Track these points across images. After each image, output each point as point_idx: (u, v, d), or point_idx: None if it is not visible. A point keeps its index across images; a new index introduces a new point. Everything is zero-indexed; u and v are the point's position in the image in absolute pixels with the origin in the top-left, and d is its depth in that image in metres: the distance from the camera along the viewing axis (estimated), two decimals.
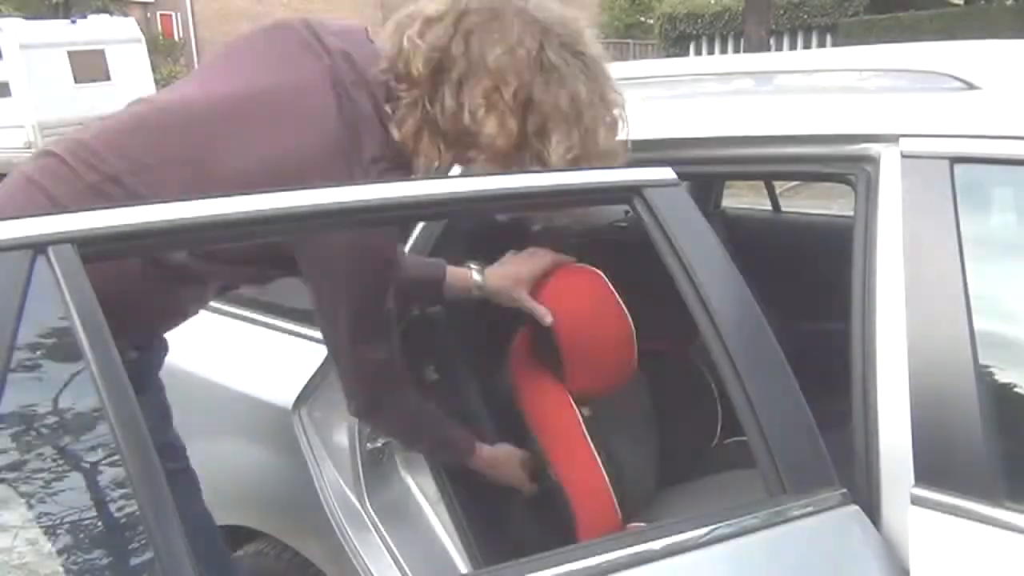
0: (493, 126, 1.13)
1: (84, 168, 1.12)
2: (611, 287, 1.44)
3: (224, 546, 1.47)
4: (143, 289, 1.19)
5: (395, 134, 1.16)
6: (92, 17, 12.86)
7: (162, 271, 1.19)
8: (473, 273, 1.49)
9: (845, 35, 12.56)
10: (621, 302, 1.43)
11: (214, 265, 1.24)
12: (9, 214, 0.84)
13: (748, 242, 2.17)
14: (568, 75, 1.14)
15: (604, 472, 1.44)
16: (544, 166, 1.15)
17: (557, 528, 1.47)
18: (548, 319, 1.41)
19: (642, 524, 1.46)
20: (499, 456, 1.50)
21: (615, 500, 1.44)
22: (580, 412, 1.46)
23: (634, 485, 1.50)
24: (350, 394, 1.34)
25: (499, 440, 1.53)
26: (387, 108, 1.17)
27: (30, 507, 0.84)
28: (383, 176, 1.13)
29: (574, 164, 1.15)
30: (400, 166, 1.18)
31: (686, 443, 1.77)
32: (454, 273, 1.48)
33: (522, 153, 1.15)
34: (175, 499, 1.30)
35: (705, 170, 1.41)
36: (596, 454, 1.44)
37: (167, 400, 1.35)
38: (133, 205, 0.87)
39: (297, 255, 1.18)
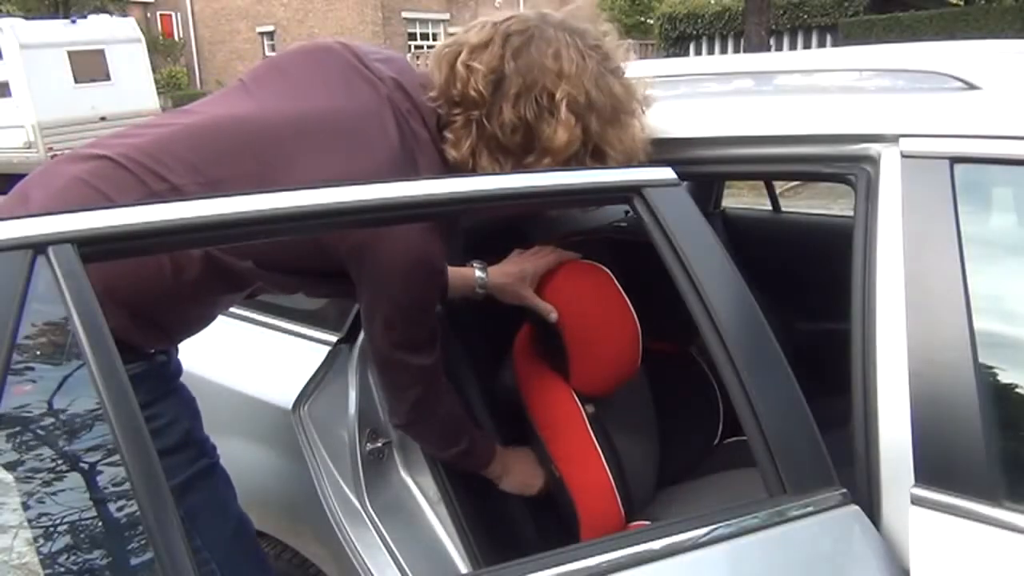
0: (561, 131, 1.20)
1: (150, 177, 1.14)
2: (617, 284, 1.44)
3: (260, 547, 1.48)
4: (192, 295, 1.23)
5: (451, 155, 1.23)
6: (92, 17, 12.85)
7: (220, 281, 1.23)
8: (476, 271, 1.50)
9: (845, 35, 12.56)
10: (627, 300, 1.43)
11: (270, 275, 1.27)
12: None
13: (748, 242, 2.17)
14: (607, 74, 1.23)
15: (608, 469, 1.44)
16: (602, 160, 1.22)
17: (558, 526, 1.48)
18: (553, 315, 1.42)
19: (646, 522, 1.46)
20: (516, 462, 1.52)
21: (618, 497, 1.44)
22: (584, 409, 1.47)
23: (636, 483, 1.51)
24: (393, 405, 1.39)
25: (501, 440, 1.53)
26: (446, 133, 1.23)
27: (30, 507, 0.84)
28: None
29: (629, 152, 1.23)
30: None
31: (688, 441, 1.77)
32: (457, 272, 1.48)
33: (584, 150, 1.22)
34: (216, 492, 1.31)
35: (705, 170, 1.41)
36: (600, 451, 1.45)
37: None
38: (133, 205, 0.87)
39: (350, 266, 1.21)
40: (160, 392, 1.24)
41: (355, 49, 1.28)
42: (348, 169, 1.14)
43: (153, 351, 1.24)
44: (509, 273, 1.48)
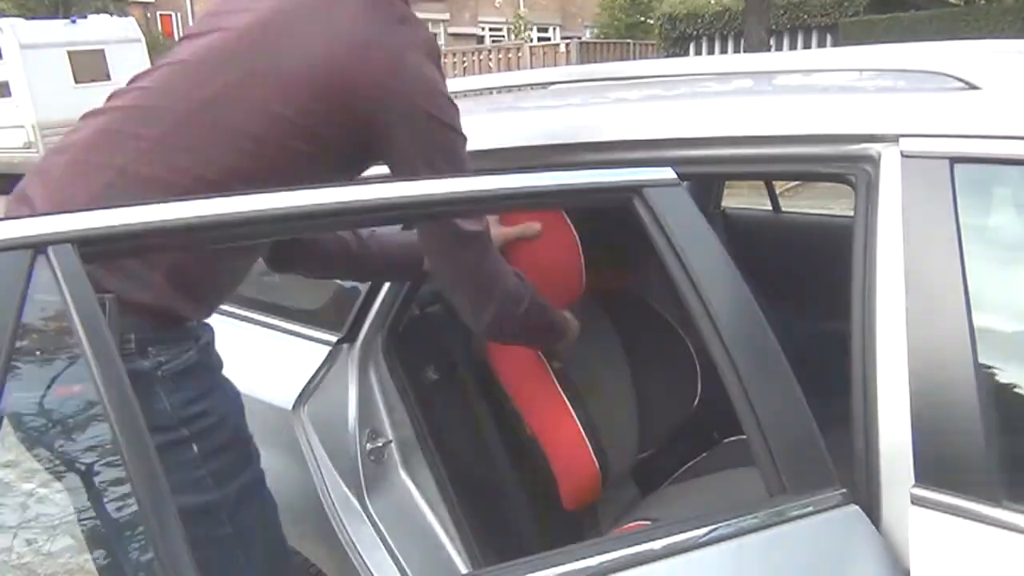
0: None
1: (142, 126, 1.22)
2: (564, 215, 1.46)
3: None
4: (234, 259, 1.24)
5: None
6: (92, 17, 12.85)
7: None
8: None
9: (845, 35, 12.54)
10: (571, 226, 1.45)
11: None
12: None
13: (748, 242, 2.17)
14: None
15: (577, 421, 1.47)
16: None
17: (559, 525, 1.48)
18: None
19: (647, 521, 1.46)
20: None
21: (591, 448, 1.47)
22: (550, 364, 1.51)
23: (609, 434, 1.53)
24: (476, 311, 1.30)
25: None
26: None
27: (30, 506, 0.84)
28: (416, 28, 1.22)
29: None
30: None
31: (666, 399, 1.80)
32: None
33: None
34: (266, 511, 1.28)
35: (705, 170, 1.41)
36: (568, 404, 1.48)
37: None
38: (133, 205, 0.87)
39: (376, 138, 1.18)
40: (208, 385, 1.18)
41: None
42: (334, 29, 1.16)
43: (194, 325, 1.20)
44: None
